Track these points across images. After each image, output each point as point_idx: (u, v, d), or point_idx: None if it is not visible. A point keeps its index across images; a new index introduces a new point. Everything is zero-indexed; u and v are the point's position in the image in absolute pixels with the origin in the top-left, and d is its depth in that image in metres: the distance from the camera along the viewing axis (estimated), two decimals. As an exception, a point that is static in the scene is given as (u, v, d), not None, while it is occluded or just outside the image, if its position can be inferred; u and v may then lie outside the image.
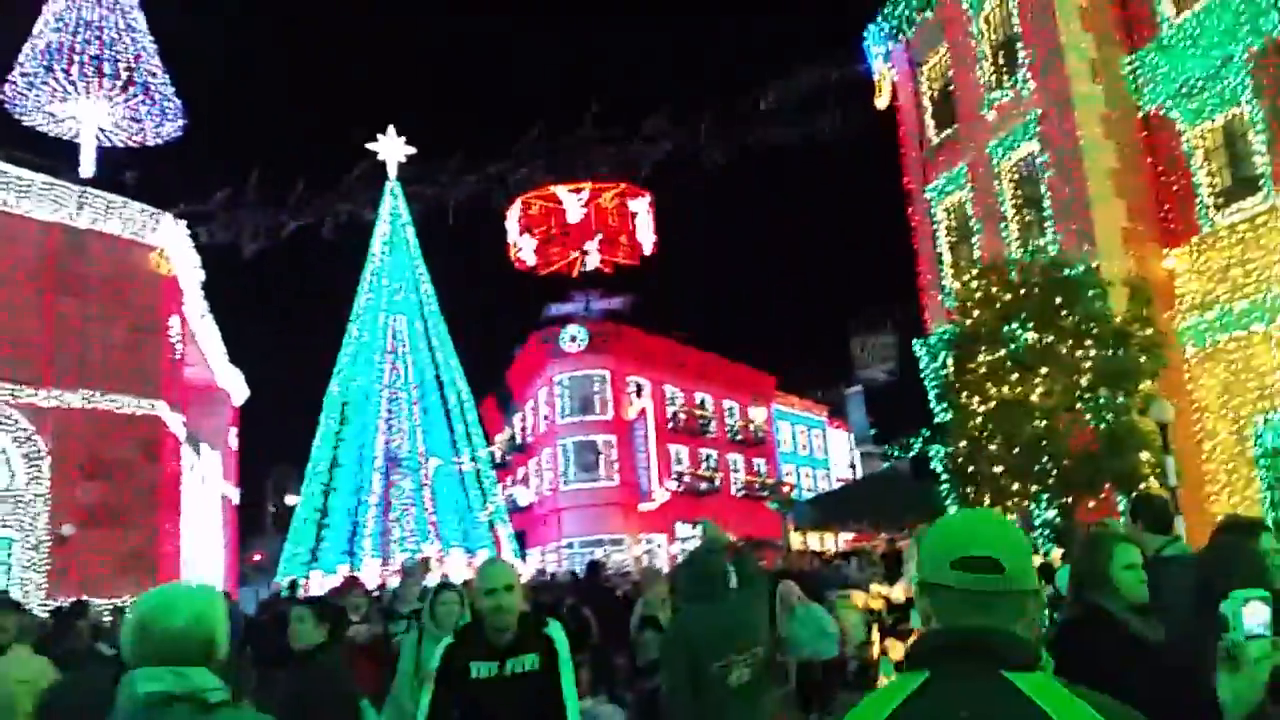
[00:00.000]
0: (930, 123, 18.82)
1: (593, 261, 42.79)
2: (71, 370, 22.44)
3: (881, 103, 19.85)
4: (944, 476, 16.96)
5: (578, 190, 41.80)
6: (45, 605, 19.84)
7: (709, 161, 18.67)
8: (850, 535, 32.93)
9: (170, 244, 25.40)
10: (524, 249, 44.07)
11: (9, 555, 21.06)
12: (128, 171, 25.11)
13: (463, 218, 20.46)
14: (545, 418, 43.52)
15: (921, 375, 17.33)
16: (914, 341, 17.25)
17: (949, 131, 18.19)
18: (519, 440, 47.74)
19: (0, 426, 21.18)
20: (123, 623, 2.24)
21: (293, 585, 15.27)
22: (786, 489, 23.45)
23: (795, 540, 47.49)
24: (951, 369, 13.97)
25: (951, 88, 18.26)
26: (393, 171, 29.80)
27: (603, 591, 10.13)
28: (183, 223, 25.36)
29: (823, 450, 57.57)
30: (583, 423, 41.95)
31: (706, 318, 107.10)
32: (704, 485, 44.83)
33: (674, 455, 43.80)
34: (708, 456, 46.38)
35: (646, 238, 44.82)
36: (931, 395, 17.06)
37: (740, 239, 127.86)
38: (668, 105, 19.51)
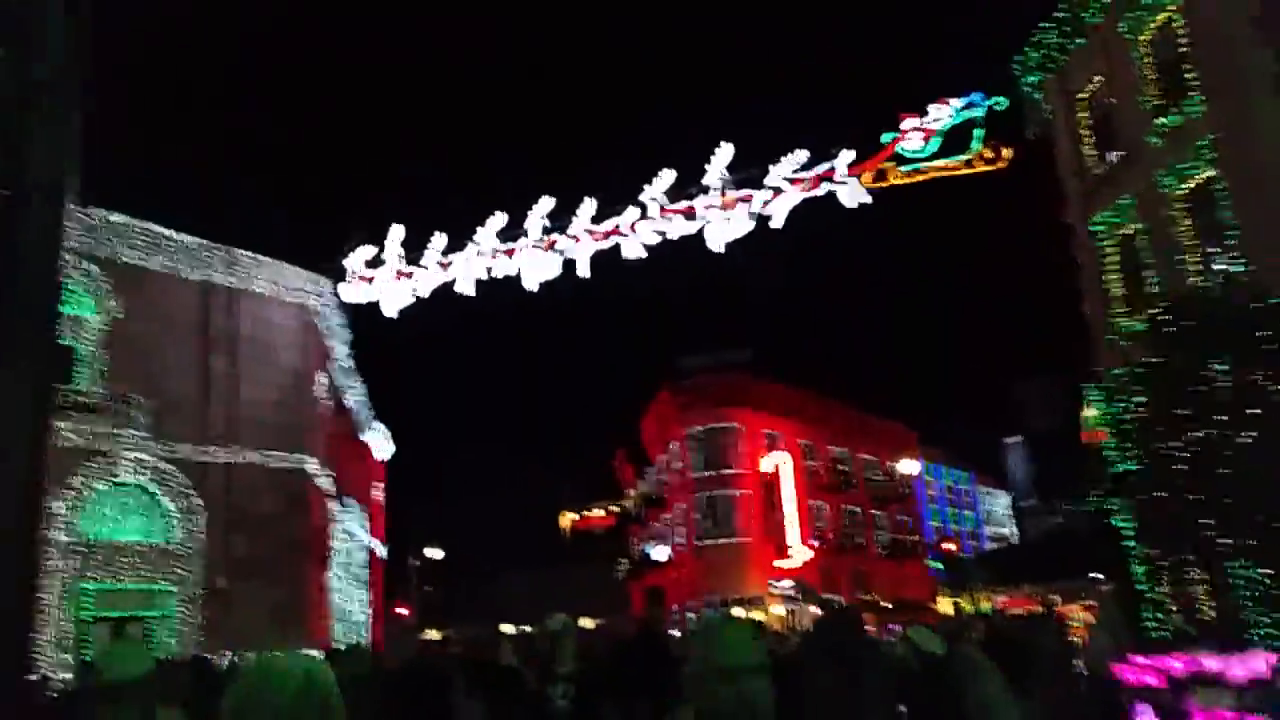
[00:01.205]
0: (1089, 153, 17.60)
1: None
2: (224, 426, 23.19)
3: (1031, 133, 18.73)
4: (1128, 532, 15.48)
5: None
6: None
7: (846, 201, 17.88)
8: (1003, 597, 30.88)
9: (317, 302, 26.19)
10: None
11: (168, 608, 21.65)
12: (276, 233, 25.99)
13: (595, 268, 20.21)
14: (678, 472, 42.90)
15: (1095, 423, 15.95)
16: (1084, 386, 15.93)
17: (1111, 161, 16.95)
18: (653, 494, 47.24)
19: (159, 482, 21.95)
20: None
21: (444, 641, 14.96)
22: (950, 547, 21.94)
23: (945, 603, 45.23)
24: (1140, 413, 12.67)
25: (1111, 115, 17.06)
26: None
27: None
28: (328, 281, 26.10)
29: (971, 506, 54.98)
30: (717, 477, 41.14)
31: (844, 370, 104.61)
32: (847, 542, 43.25)
33: (814, 511, 42.44)
34: (850, 513, 44.78)
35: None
36: (1109, 443, 15.67)
37: (881, 284, 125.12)
38: (802, 143, 18.66)
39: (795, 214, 19.52)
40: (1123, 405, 15.59)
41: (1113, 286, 16.62)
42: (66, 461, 20.36)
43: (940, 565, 25.78)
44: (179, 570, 21.81)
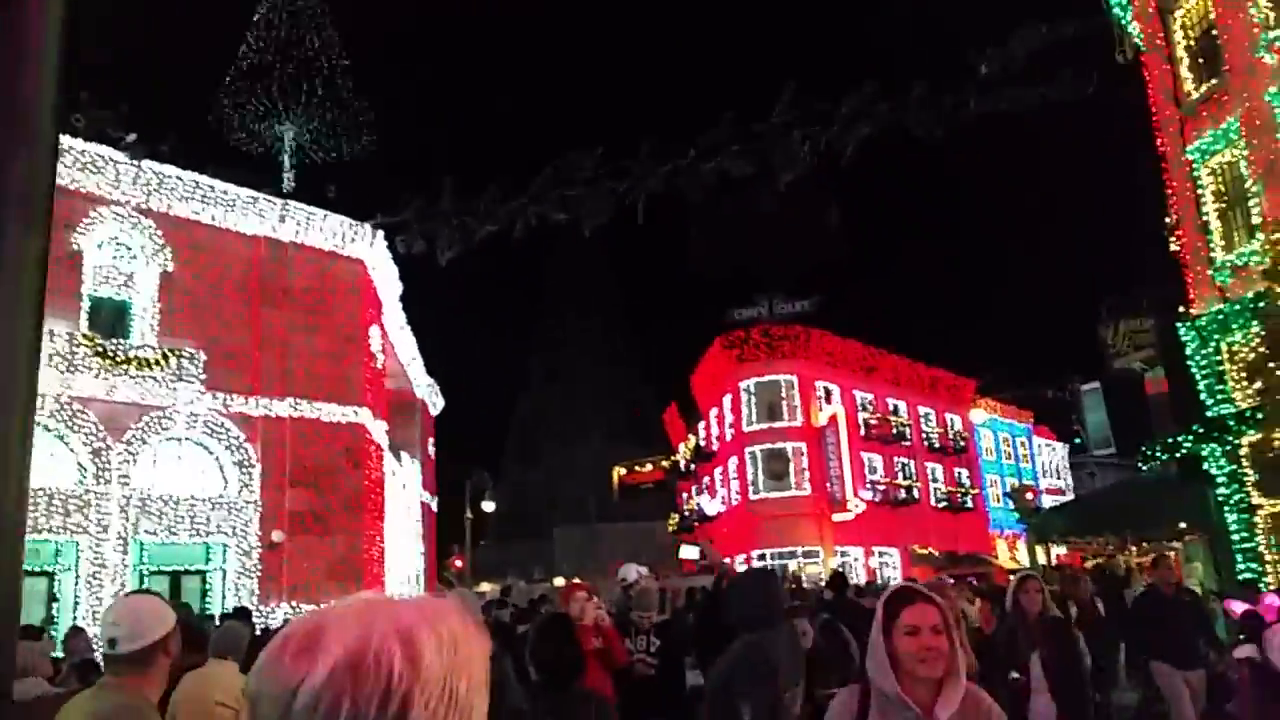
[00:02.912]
0: (1187, 75, 16.43)
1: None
2: (278, 379, 22.94)
3: (1121, 57, 17.55)
4: (1221, 478, 14.62)
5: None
6: (258, 611, 20.22)
7: (920, 139, 16.89)
8: (1062, 550, 30.08)
9: (369, 255, 25.79)
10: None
11: (224, 561, 21.60)
12: (327, 185, 25.59)
13: (652, 214, 19.42)
14: (731, 425, 42.29)
15: (1188, 362, 15.01)
16: (1178, 324, 14.97)
17: (1213, 83, 15.78)
18: (704, 448, 46.74)
19: (213, 435, 21.81)
20: None
21: (505, 591, 14.67)
22: (1030, 496, 20.95)
23: (1003, 553, 44.31)
24: (1249, 350, 11.77)
25: (1214, 32, 15.87)
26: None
27: (852, 609, 8.75)
28: (380, 233, 25.68)
29: (1029, 460, 53.74)
30: (771, 430, 40.44)
31: (904, 316, 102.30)
32: (901, 495, 42.47)
33: (868, 464, 41.67)
34: (904, 465, 43.94)
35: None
36: (1202, 385, 14.77)
37: (948, 224, 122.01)
38: (873, 80, 17.66)
39: (861, 152, 18.63)
40: (1217, 344, 14.67)
41: (1211, 218, 15.56)
42: (122, 415, 20.26)
43: (1019, 516, 24.82)
44: (235, 524, 21.72)
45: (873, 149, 18.13)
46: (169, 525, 20.72)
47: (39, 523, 18.39)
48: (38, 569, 18.60)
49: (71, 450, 19.61)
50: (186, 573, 21.31)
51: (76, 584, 18.44)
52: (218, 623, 11.03)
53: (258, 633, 11.55)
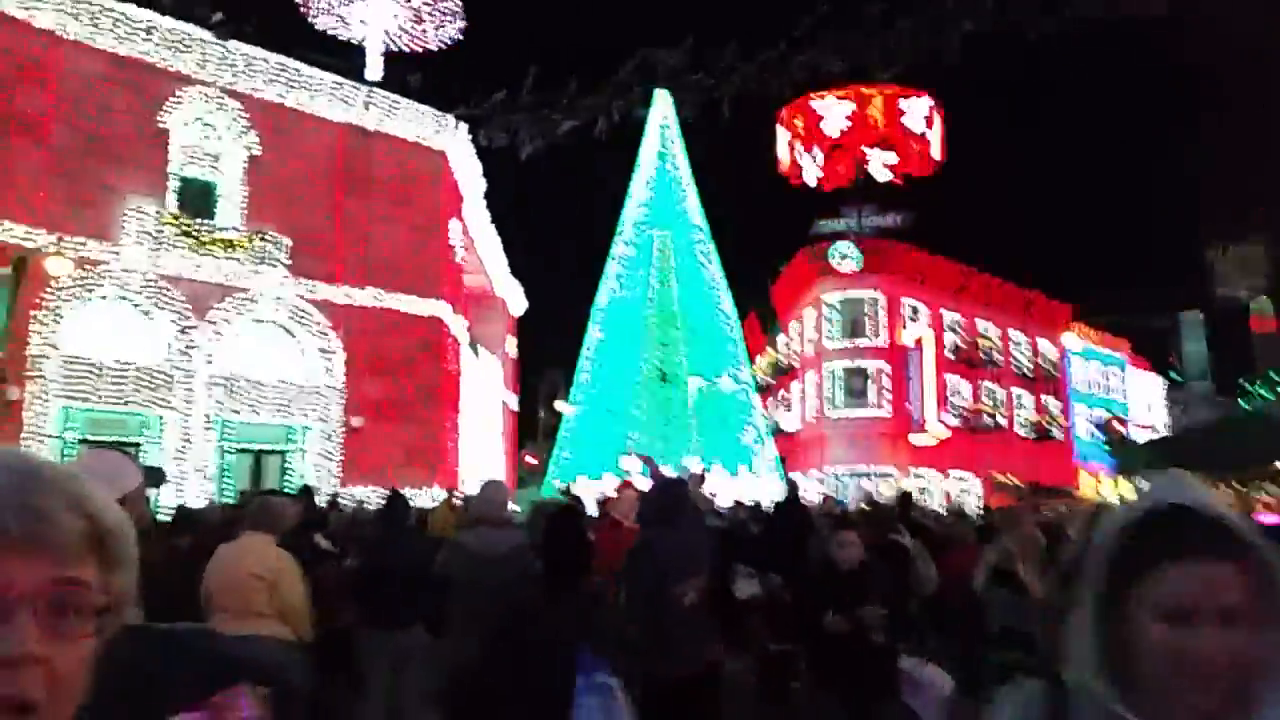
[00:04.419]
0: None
1: (877, 172, 39.79)
2: (360, 268, 23.12)
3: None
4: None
5: (842, 98, 38.98)
6: (338, 492, 20.76)
7: (1027, 38, 15.71)
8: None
9: (451, 147, 25.54)
10: (791, 161, 41.86)
11: (305, 442, 22.16)
12: (410, 75, 25.28)
13: (735, 117, 18.65)
14: (812, 340, 41.58)
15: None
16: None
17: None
18: (783, 362, 46.15)
19: (296, 319, 22.15)
20: None
21: (567, 491, 14.76)
22: (1120, 429, 19.79)
23: (1088, 486, 43.13)
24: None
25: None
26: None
27: (916, 528, 8.40)
28: (464, 126, 25.37)
29: (1122, 393, 51.78)
30: (853, 347, 39.68)
31: (997, 235, 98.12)
32: (986, 421, 41.42)
33: (952, 387, 40.66)
34: (990, 391, 42.76)
35: (930, 145, 41.06)
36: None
37: (1049, 137, 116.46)
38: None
39: (960, 54, 17.56)
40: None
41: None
42: (207, 295, 20.68)
43: (1107, 448, 23.88)
44: (316, 406, 22.20)
45: (971, 51, 17.04)
46: (252, 405, 21.27)
47: (127, 395, 19.05)
48: (125, 439, 19.31)
49: (158, 327, 20.13)
50: (269, 452, 21.93)
51: (161, 456, 19.09)
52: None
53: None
